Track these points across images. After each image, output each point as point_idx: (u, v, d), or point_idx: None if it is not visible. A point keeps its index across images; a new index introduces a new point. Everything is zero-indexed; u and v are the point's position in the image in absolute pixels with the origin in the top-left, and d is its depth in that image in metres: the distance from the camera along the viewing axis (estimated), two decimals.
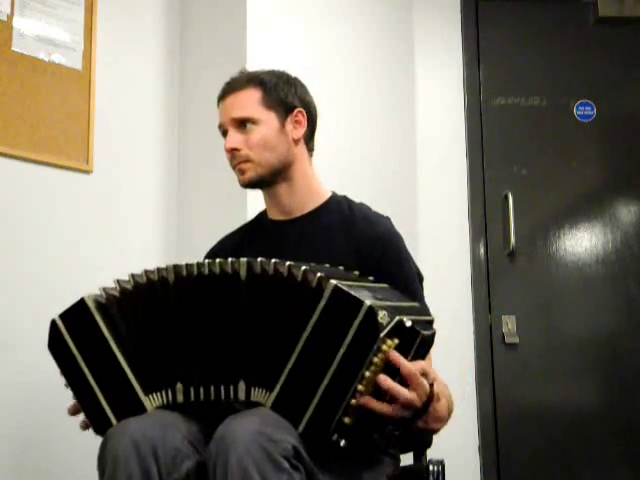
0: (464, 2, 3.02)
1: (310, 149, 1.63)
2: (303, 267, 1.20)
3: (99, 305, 1.30)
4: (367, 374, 1.11)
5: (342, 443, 1.12)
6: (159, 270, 1.30)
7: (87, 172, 2.18)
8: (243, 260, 1.25)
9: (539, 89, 2.96)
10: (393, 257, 1.51)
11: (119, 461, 1.17)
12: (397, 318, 1.11)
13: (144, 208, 2.35)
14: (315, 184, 1.62)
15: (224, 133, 1.58)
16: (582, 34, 3.01)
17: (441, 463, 1.46)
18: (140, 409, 1.26)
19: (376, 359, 1.10)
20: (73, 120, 2.16)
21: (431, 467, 1.46)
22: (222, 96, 1.60)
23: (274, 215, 1.64)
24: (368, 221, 1.56)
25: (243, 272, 1.24)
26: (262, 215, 1.69)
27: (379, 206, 1.69)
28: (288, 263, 1.22)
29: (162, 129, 2.43)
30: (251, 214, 1.94)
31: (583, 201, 2.93)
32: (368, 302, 1.10)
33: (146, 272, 1.31)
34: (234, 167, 1.57)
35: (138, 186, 2.34)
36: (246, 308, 1.24)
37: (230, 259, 1.27)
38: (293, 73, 1.65)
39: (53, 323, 1.33)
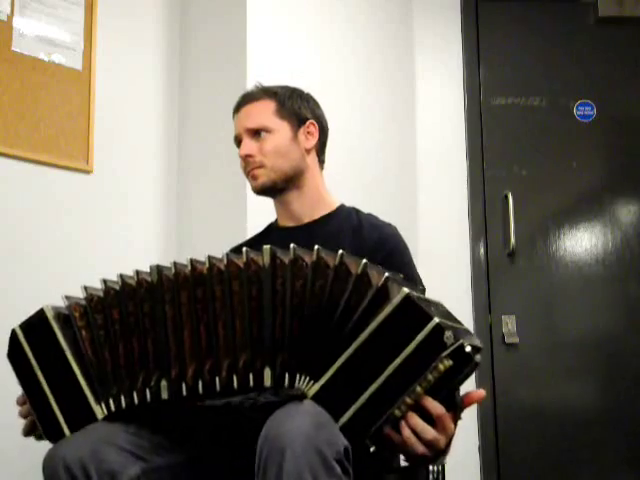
0: (464, 2, 3.02)
1: (321, 161, 1.68)
2: (364, 261, 1.15)
3: (58, 315, 1.30)
4: (418, 389, 1.09)
5: (372, 449, 1.11)
6: (138, 273, 1.28)
7: (87, 172, 2.19)
8: (266, 247, 1.21)
9: (539, 89, 2.96)
10: (397, 259, 1.52)
11: None
12: (460, 341, 1.09)
13: (144, 208, 2.34)
14: (324, 194, 1.67)
15: (239, 143, 1.62)
16: (582, 34, 3.01)
17: (441, 463, 1.46)
18: (92, 418, 1.25)
19: (430, 376, 1.09)
20: (73, 120, 2.16)
21: (431, 467, 1.46)
22: (237, 108, 1.64)
23: (284, 222, 1.67)
24: (375, 226, 1.59)
25: (267, 260, 1.20)
26: (272, 225, 1.72)
27: (379, 206, 1.69)
28: (340, 252, 1.17)
29: (162, 129, 2.43)
30: (251, 214, 1.94)
31: (583, 201, 2.93)
32: (437, 319, 1.09)
33: (121, 276, 1.29)
34: (247, 174, 1.61)
35: (138, 186, 2.34)
36: (276, 296, 1.19)
37: (245, 248, 1.24)
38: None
39: (13, 333, 1.33)
